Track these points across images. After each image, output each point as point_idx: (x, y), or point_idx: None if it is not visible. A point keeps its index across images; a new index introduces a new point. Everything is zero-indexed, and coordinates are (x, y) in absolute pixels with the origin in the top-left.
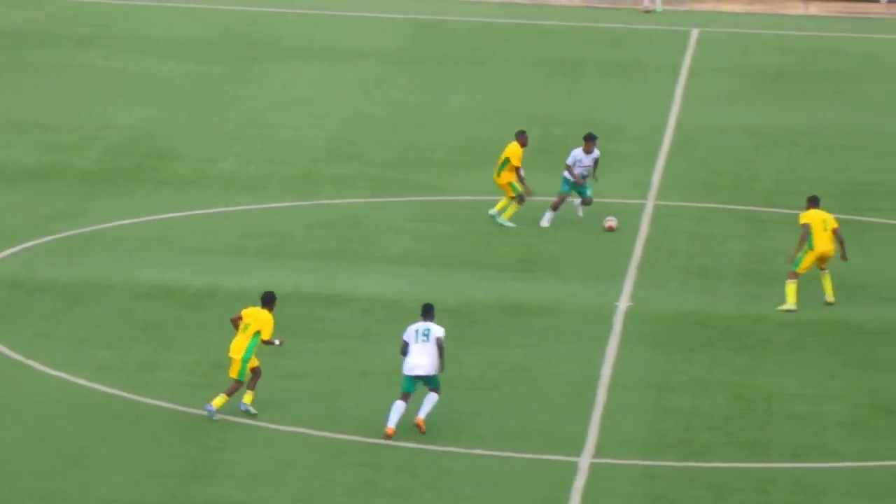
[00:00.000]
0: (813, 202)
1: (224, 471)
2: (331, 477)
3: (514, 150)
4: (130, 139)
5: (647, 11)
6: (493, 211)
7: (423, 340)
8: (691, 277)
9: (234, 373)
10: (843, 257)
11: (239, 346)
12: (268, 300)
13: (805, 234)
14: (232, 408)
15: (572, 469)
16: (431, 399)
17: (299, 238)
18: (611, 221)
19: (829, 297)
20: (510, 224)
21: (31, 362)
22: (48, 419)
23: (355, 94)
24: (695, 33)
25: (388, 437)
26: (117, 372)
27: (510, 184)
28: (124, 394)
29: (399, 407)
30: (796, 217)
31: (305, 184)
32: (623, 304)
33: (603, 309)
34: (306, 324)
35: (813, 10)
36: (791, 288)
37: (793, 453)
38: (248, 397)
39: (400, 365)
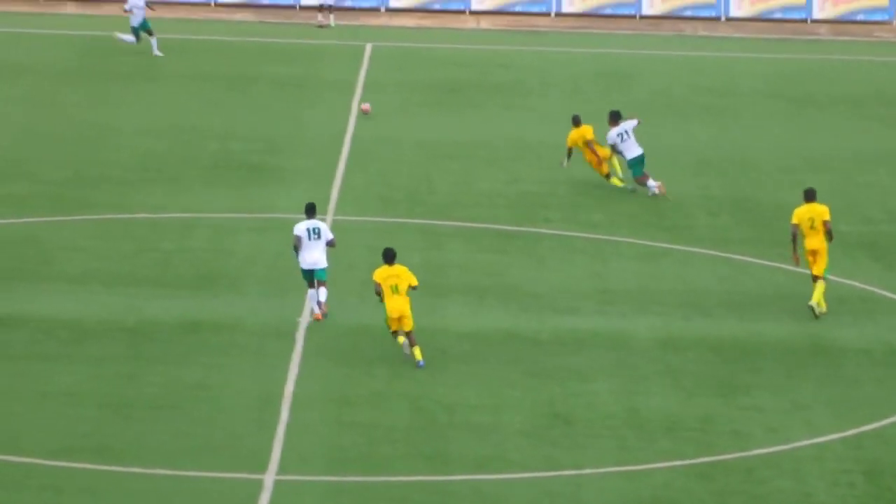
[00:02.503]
0: (806, 196)
1: None
2: (11, 502)
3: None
4: None
5: (321, 27)
6: None
7: (315, 238)
8: (370, 291)
9: None
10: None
11: None
12: None
13: (793, 234)
14: None
15: (258, 486)
16: (324, 292)
17: None
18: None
19: (819, 306)
20: None
21: None
22: None
23: (23, 110)
24: (368, 48)
25: (318, 320)
26: None
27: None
28: None
29: (312, 294)
30: (471, 230)
31: None
32: (305, 319)
33: (284, 324)
34: None
35: (484, 24)
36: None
37: (473, 464)
38: None
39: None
